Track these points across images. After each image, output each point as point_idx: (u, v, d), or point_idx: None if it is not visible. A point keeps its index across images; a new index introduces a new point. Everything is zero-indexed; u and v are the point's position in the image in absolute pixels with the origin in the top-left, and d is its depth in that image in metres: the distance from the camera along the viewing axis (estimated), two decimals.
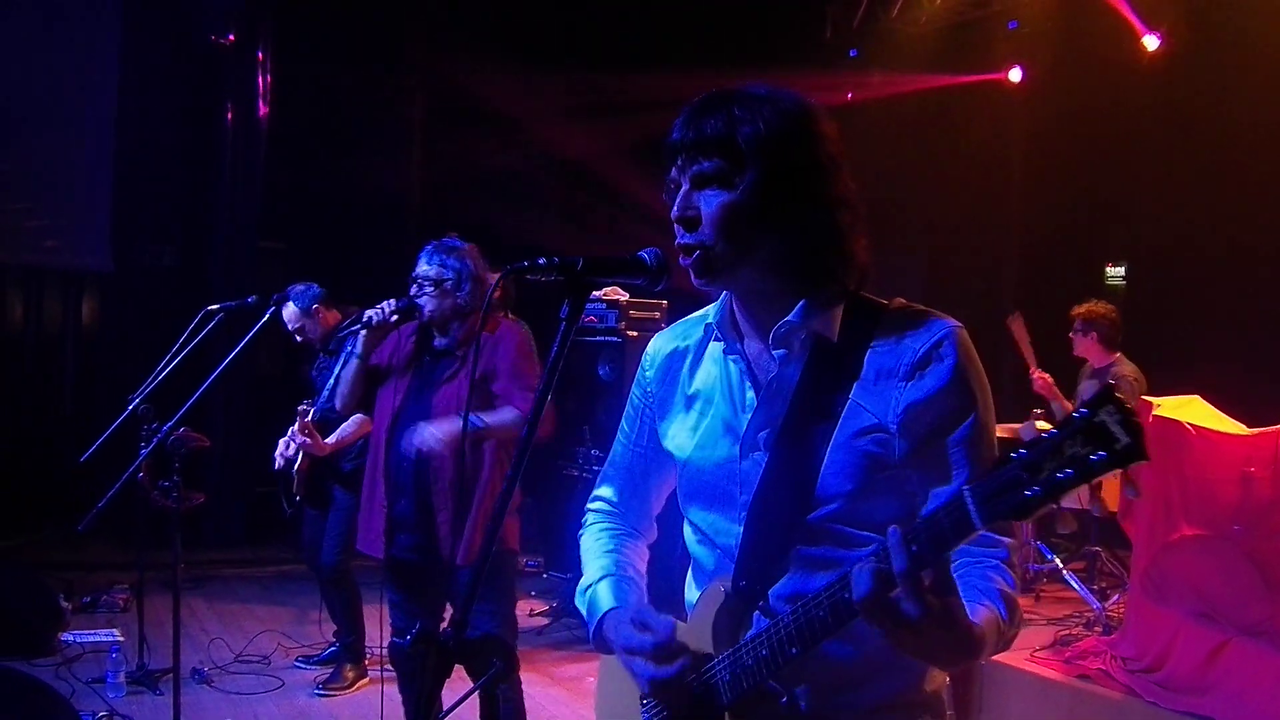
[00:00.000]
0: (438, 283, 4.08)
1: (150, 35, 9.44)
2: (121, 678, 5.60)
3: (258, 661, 6.18)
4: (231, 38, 9.42)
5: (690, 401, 1.95)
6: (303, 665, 6.19)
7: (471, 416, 4.03)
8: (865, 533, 1.74)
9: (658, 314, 7.45)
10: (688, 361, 1.97)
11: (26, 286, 9.82)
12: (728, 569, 1.82)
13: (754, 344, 1.86)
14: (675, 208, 1.77)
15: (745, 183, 1.72)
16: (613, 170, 10.24)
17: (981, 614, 1.58)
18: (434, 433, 3.96)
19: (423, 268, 4.13)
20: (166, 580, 4.92)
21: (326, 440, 5.59)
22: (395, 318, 4.13)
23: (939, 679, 1.86)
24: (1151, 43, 7.97)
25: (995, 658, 4.90)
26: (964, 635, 1.49)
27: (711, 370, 1.92)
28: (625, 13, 9.98)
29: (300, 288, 5.97)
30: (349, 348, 5.84)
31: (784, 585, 1.77)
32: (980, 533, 1.42)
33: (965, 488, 1.38)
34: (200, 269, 9.65)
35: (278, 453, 5.58)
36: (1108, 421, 1.24)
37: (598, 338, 7.47)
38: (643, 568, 2.10)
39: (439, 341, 4.17)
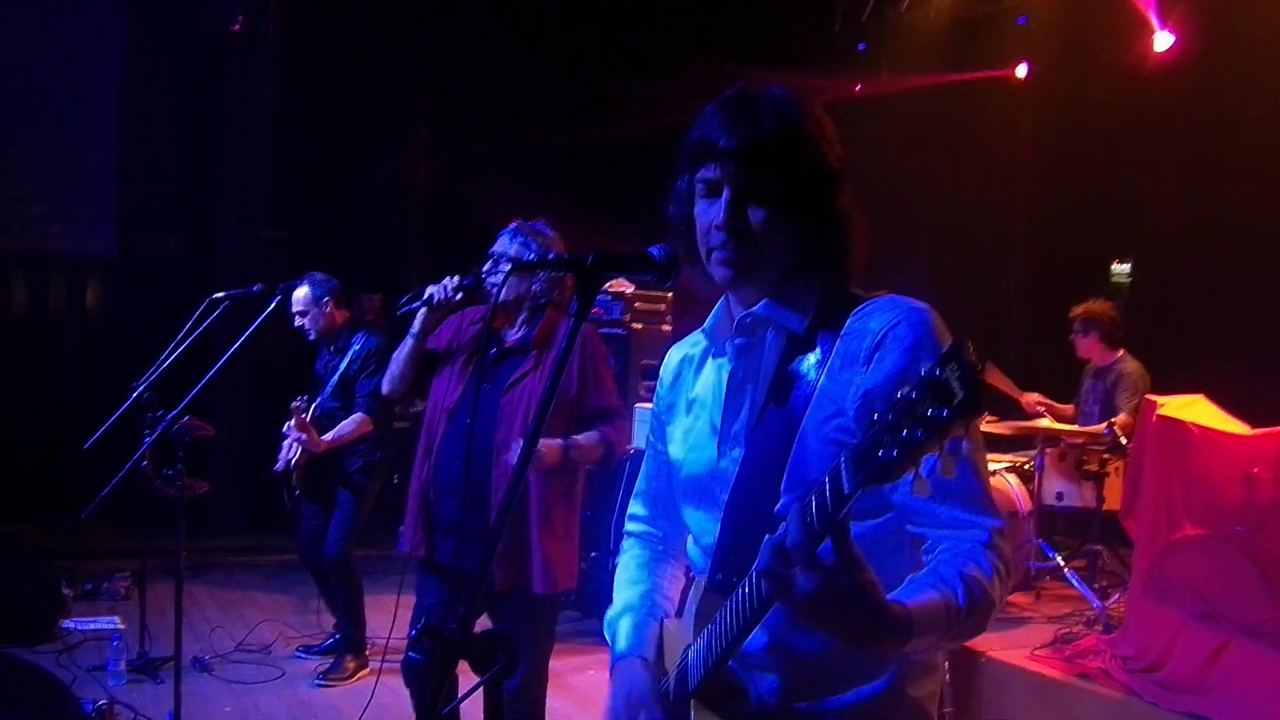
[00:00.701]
0: (516, 262, 3.78)
1: (156, 21, 9.41)
2: (122, 666, 5.61)
3: (259, 651, 6.19)
4: (238, 25, 9.40)
5: (690, 406, 1.97)
6: (303, 655, 6.19)
7: (566, 441, 3.79)
8: None
9: (663, 306, 7.45)
10: (693, 367, 1.99)
11: (31, 273, 9.80)
12: (708, 561, 1.84)
13: None
14: (722, 213, 1.75)
15: (789, 190, 1.73)
16: (616, 163, 10.21)
17: (925, 598, 1.53)
18: (540, 455, 3.69)
19: (502, 245, 3.89)
20: (168, 568, 4.92)
21: (324, 437, 5.60)
22: (460, 296, 3.88)
23: (927, 684, 1.81)
24: (1164, 40, 7.93)
25: (995, 655, 4.96)
26: (877, 615, 1.44)
27: (709, 375, 1.94)
28: (631, 5, 9.96)
29: (320, 276, 5.97)
30: (355, 345, 5.82)
31: None
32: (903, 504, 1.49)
33: (843, 453, 1.35)
34: (205, 257, 9.66)
35: (281, 455, 5.61)
36: (949, 378, 1.22)
37: (603, 330, 7.45)
38: (674, 593, 2.10)
39: (510, 334, 3.91)
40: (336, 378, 5.86)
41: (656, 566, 2.12)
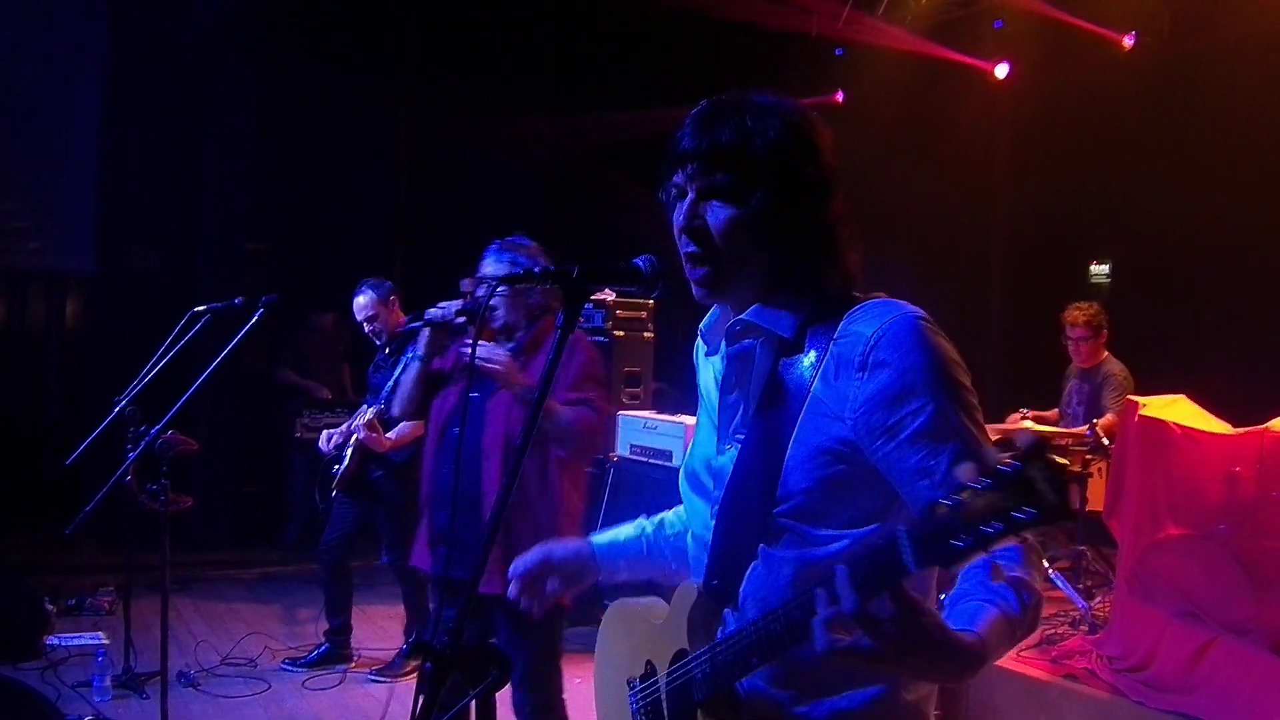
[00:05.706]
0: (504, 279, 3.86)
1: (136, 34, 9.37)
2: (108, 681, 5.57)
3: (245, 664, 6.16)
4: (217, 38, 9.37)
5: (698, 398, 2.00)
6: (289, 668, 6.16)
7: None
8: (825, 531, 1.71)
9: (644, 314, 7.44)
10: (703, 356, 2.01)
11: (10, 289, 9.75)
12: (704, 560, 1.85)
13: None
14: (682, 217, 1.77)
15: (756, 197, 1.72)
16: (598, 172, 10.24)
17: (987, 616, 1.54)
18: (496, 352, 3.70)
19: (490, 268, 3.90)
20: (152, 583, 4.90)
21: (386, 436, 5.71)
22: (461, 319, 3.92)
23: (921, 687, 1.81)
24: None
25: None
26: (949, 651, 1.45)
27: (708, 370, 1.97)
28: (608, 19, 9.97)
29: (373, 280, 6.11)
30: (409, 352, 5.91)
31: (750, 583, 1.77)
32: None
33: (901, 528, 1.36)
34: (186, 270, 9.60)
35: (321, 442, 5.73)
36: (1036, 479, 1.23)
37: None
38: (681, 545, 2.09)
39: (507, 345, 3.93)
40: (391, 382, 5.93)
41: (671, 526, 2.17)
